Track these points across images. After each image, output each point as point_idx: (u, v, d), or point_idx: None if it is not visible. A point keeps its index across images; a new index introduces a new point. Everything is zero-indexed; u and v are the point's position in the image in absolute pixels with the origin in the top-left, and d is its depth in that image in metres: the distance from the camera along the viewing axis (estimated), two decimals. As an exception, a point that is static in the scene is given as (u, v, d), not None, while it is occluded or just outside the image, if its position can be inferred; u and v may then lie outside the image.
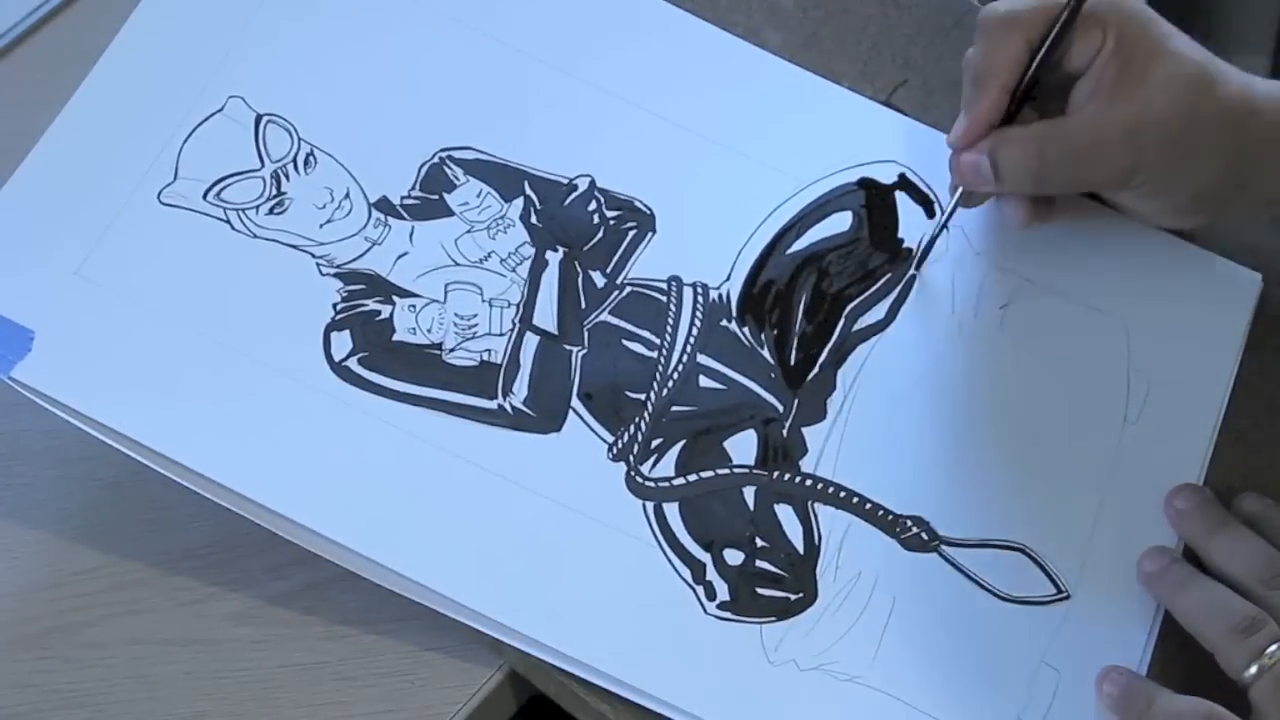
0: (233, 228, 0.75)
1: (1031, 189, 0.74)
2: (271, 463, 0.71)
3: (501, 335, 0.75)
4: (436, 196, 0.77)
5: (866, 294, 0.78)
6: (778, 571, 0.72)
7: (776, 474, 0.74)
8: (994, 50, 0.73)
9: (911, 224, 0.79)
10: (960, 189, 0.76)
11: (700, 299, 0.77)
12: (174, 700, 0.73)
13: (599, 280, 0.76)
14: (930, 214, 0.79)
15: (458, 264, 0.76)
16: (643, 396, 0.75)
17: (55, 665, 0.73)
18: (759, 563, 0.72)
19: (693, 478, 0.73)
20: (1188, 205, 0.75)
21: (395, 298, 0.75)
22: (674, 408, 0.75)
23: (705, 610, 0.71)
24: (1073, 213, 0.78)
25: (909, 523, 0.74)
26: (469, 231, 0.77)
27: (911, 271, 0.78)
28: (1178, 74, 0.71)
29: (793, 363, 0.76)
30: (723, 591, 0.72)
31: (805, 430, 0.75)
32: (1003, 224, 0.78)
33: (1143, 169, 0.72)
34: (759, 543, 0.73)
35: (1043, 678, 0.72)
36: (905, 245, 0.79)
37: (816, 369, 0.76)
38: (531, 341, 0.75)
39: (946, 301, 0.78)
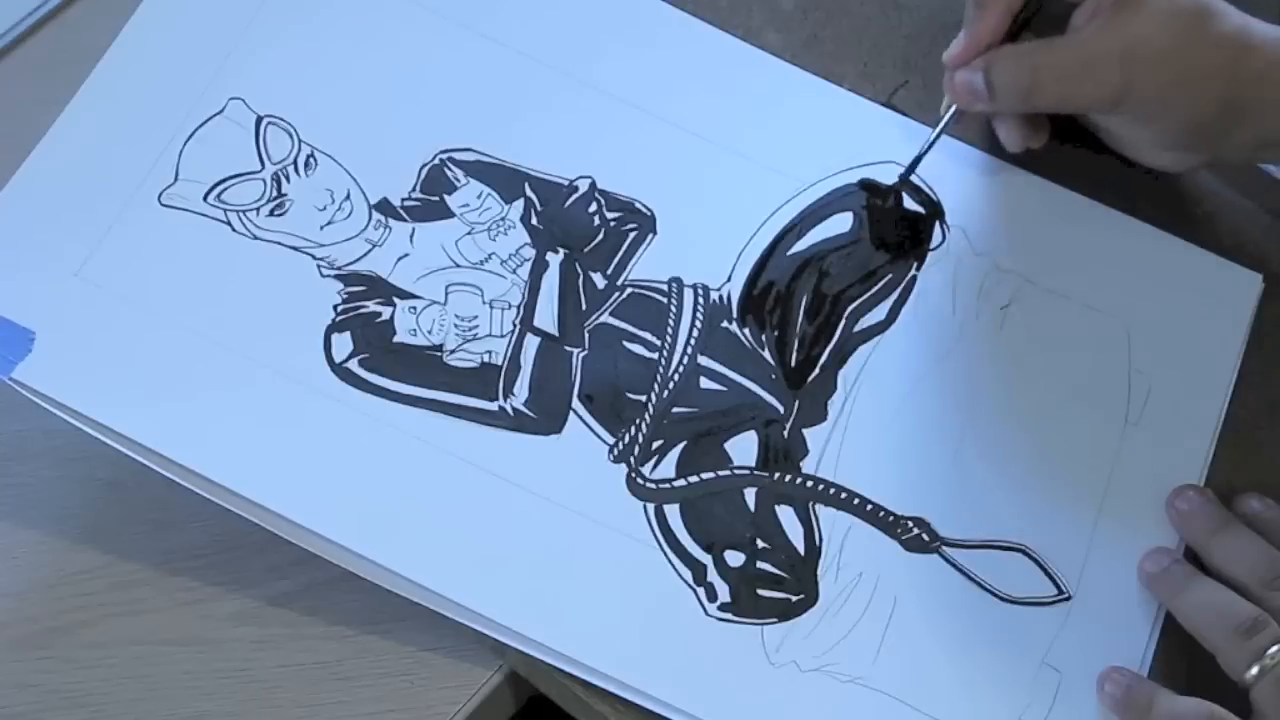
0: (233, 229, 0.75)
1: (1023, 106, 0.75)
2: (272, 464, 0.71)
3: (502, 337, 0.75)
4: (437, 198, 0.77)
5: (867, 295, 0.78)
6: (779, 573, 0.72)
7: (777, 475, 0.74)
8: None
9: (912, 224, 0.79)
10: (953, 107, 0.76)
11: (701, 300, 0.77)
12: (174, 700, 0.73)
13: (600, 282, 0.76)
14: (931, 215, 0.79)
15: (458, 265, 0.76)
16: (643, 398, 0.75)
17: (55, 665, 0.73)
18: (760, 564, 0.72)
19: (693, 479, 0.73)
20: (1178, 137, 0.75)
21: (396, 299, 0.75)
22: (675, 409, 0.75)
23: (706, 611, 0.71)
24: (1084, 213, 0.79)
25: (910, 524, 0.74)
26: (470, 233, 0.77)
27: (898, 180, 0.79)
28: (1176, 5, 0.72)
29: (794, 364, 0.76)
30: (724, 593, 0.72)
31: (806, 431, 0.75)
32: (1005, 225, 0.78)
33: (1134, 91, 0.72)
34: (760, 544, 0.73)
35: (1044, 678, 0.72)
36: (906, 246, 0.79)
37: (817, 370, 0.76)
38: (532, 343, 0.75)
39: (947, 302, 0.78)
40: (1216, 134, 0.75)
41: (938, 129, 0.77)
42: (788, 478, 0.74)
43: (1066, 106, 0.76)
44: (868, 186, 0.80)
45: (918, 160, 0.78)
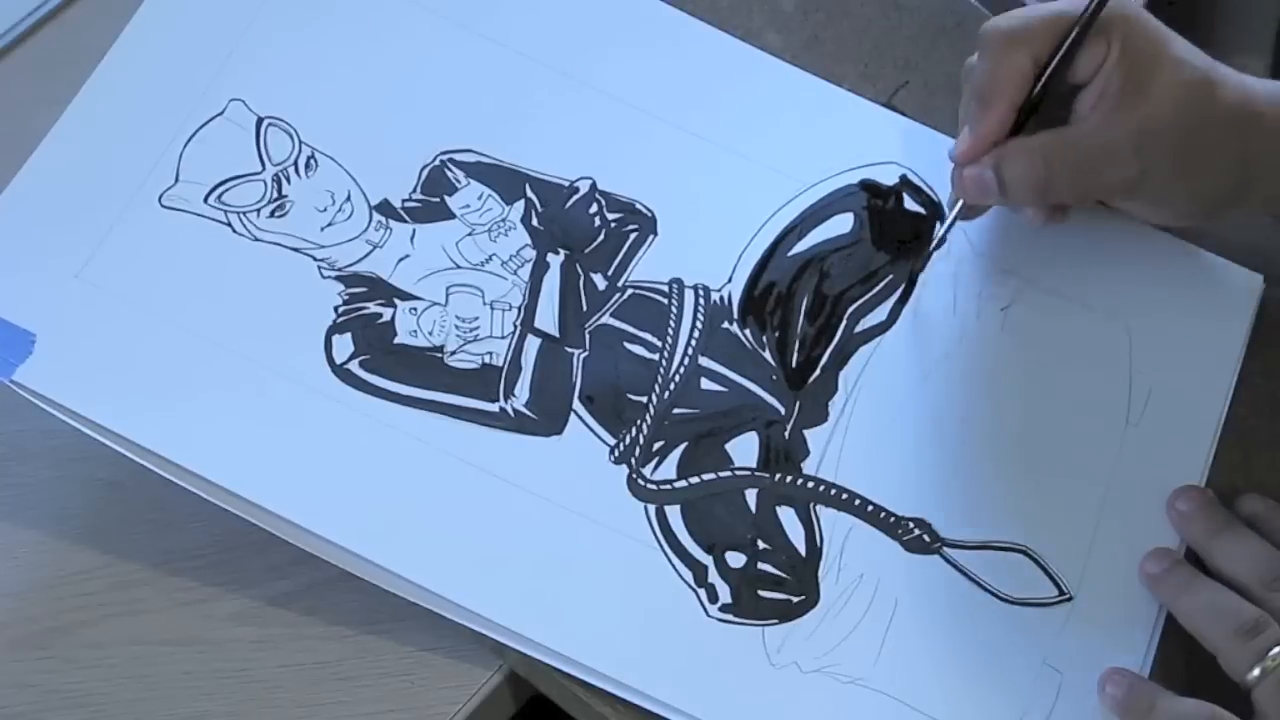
0: (234, 231, 0.75)
1: (1038, 201, 0.74)
2: (273, 466, 0.71)
3: (503, 338, 0.75)
4: (438, 199, 0.77)
5: (868, 296, 0.78)
6: (780, 574, 0.72)
7: (778, 476, 0.74)
8: (999, 68, 0.72)
9: (912, 226, 0.79)
10: (960, 202, 0.75)
11: (702, 301, 0.77)
12: (174, 700, 0.73)
13: (600, 283, 0.76)
14: (932, 215, 0.79)
15: (459, 266, 0.76)
16: (644, 399, 0.75)
17: (55, 665, 0.73)
18: (761, 565, 0.72)
19: (694, 480, 0.73)
20: (1193, 209, 0.75)
21: (397, 300, 0.75)
22: (675, 410, 0.75)
23: (707, 613, 0.71)
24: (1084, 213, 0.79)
25: (911, 525, 0.74)
26: (470, 234, 0.77)
27: (917, 274, 0.78)
28: (1181, 80, 0.71)
29: (794, 365, 0.76)
30: (724, 594, 0.72)
31: (807, 432, 0.75)
32: (1005, 226, 0.79)
33: (1150, 177, 0.72)
34: (761, 545, 0.73)
35: (1045, 679, 0.72)
36: (907, 247, 0.79)
37: (818, 371, 0.76)
38: (533, 344, 0.75)
39: (948, 303, 0.78)
40: (1229, 202, 0.75)
41: (947, 223, 0.76)
42: (789, 479, 0.74)
43: (1081, 198, 0.76)
44: (868, 187, 0.80)
45: (929, 257, 0.78)
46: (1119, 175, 0.72)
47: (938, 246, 0.78)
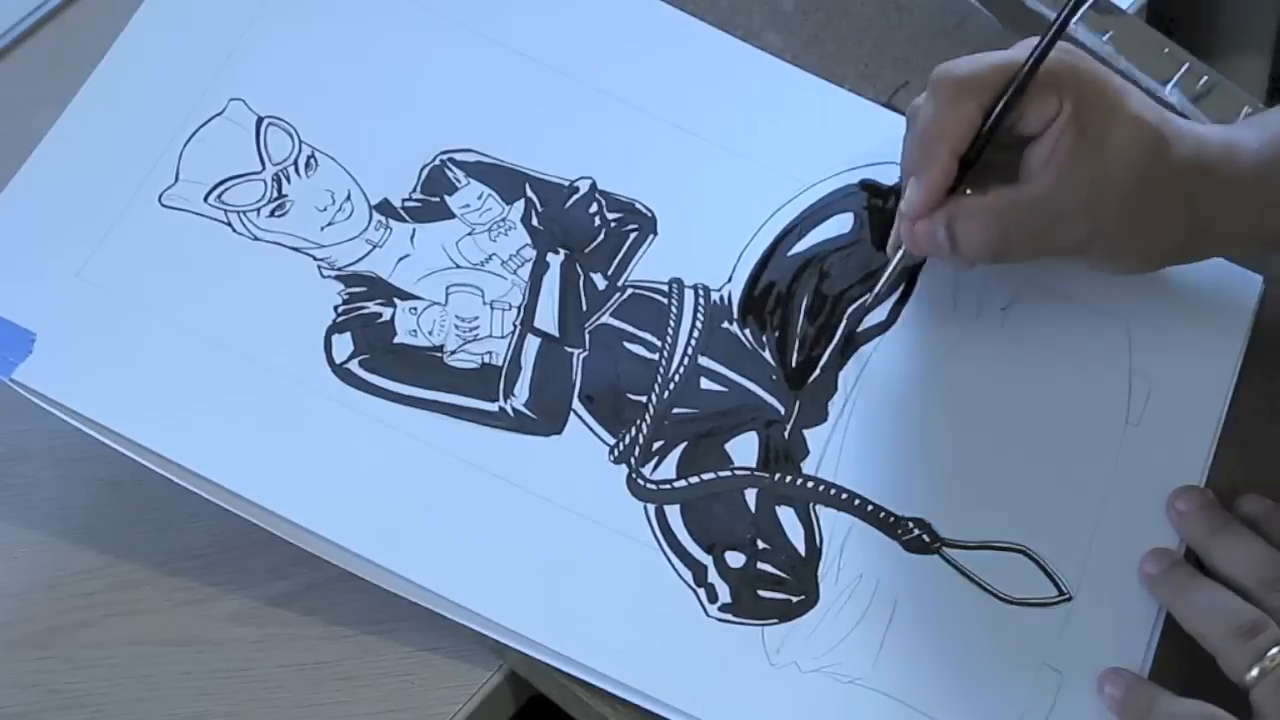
0: (234, 230, 0.75)
1: (989, 261, 0.73)
2: (273, 465, 0.71)
3: (503, 337, 0.75)
4: (438, 199, 0.77)
5: (868, 296, 0.78)
6: (779, 574, 0.72)
7: (778, 476, 0.74)
8: (946, 114, 0.71)
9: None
10: (902, 250, 0.74)
11: (701, 301, 0.77)
12: (174, 700, 0.73)
13: (600, 282, 0.76)
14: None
15: (459, 266, 0.76)
16: (644, 399, 0.75)
17: (55, 665, 0.73)
18: (760, 565, 0.72)
19: (694, 480, 0.73)
20: (1144, 263, 0.76)
21: (396, 300, 0.75)
22: (675, 410, 0.75)
23: (707, 612, 0.71)
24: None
25: (910, 524, 0.74)
26: (470, 234, 0.77)
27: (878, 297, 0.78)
28: (1134, 139, 0.71)
29: (794, 365, 0.76)
30: (724, 594, 0.72)
31: (807, 432, 0.75)
32: None
33: (1101, 236, 0.72)
34: (760, 545, 0.73)
35: (1045, 679, 0.72)
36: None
37: (818, 371, 0.76)
38: (533, 344, 0.75)
39: (948, 303, 0.78)
40: (1179, 255, 0.76)
41: (889, 270, 0.75)
42: (788, 478, 0.74)
43: (1033, 257, 0.74)
44: (868, 187, 0.80)
45: (871, 301, 0.77)
46: (1071, 237, 0.72)
47: (879, 299, 0.77)
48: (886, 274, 0.76)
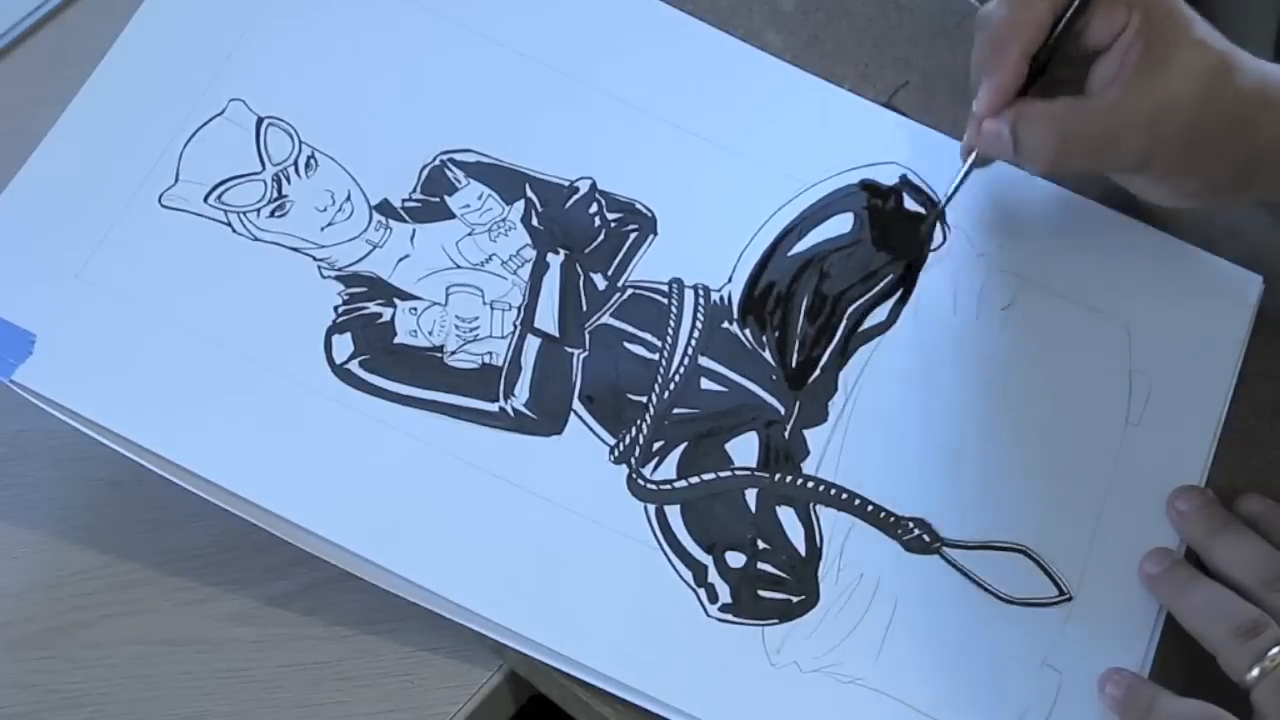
0: (234, 230, 0.75)
1: (1048, 168, 0.75)
2: (273, 466, 0.71)
3: (503, 338, 0.75)
4: (438, 199, 0.77)
5: (868, 296, 0.78)
6: (779, 574, 0.72)
7: (778, 476, 0.74)
8: (1019, 14, 0.72)
9: (912, 226, 0.79)
10: (974, 153, 0.76)
11: (702, 301, 0.77)
12: (174, 700, 0.73)
13: (600, 283, 0.76)
14: (932, 215, 0.79)
15: (459, 266, 0.76)
16: (644, 399, 0.75)
17: (55, 665, 0.73)
18: (761, 565, 0.72)
19: (694, 480, 0.73)
20: (1199, 191, 0.75)
21: (397, 300, 0.75)
22: (675, 410, 0.75)
23: (707, 613, 0.71)
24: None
25: (911, 524, 0.74)
26: (470, 234, 0.77)
27: (925, 238, 0.78)
28: (1200, 63, 0.71)
29: (794, 365, 0.76)
30: (724, 594, 0.72)
31: (807, 432, 0.75)
32: (1005, 226, 0.79)
33: (1160, 156, 0.72)
34: (761, 545, 0.73)
35: (1045, 679, 0.72)
36: (907, 247, 0.79)
37: (818, 371, 0.76)
38: (533, 344, 0.75)
39: (948, 303, 0.78)
40: (1234, 187, 0.75)
41: (962, 172, 0.76)
42: (788, 479, 0.74)
43: (1092, 170, 0.76)
44: (868, 187, 0.80)
45: (944, 205, 0.78)
46: (1131, 151, 0.72)
47: (948, 202, 0.78)
48: (958, 177, 0.77)
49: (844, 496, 0.74)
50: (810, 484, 0.74)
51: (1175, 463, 0.76)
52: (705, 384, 0.75)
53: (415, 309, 0.75)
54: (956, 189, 0.77)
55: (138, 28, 0.78)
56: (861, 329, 0.77)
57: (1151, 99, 0.71)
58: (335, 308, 0.74)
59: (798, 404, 0.75)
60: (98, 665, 0.73)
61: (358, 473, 0.72)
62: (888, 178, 0.80)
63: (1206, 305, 0.79)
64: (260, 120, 0.77)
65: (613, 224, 0.78)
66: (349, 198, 0.76)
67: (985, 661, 0.72)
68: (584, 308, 0.76)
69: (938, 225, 0.79)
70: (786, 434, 0.75)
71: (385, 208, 0.77)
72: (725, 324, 0.76)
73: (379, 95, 0.78)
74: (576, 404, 0.74)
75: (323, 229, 0.76)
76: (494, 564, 0.71)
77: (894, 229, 0.79)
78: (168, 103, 0.77)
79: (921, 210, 0.79)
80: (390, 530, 0.71)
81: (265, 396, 0.72)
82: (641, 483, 0.73)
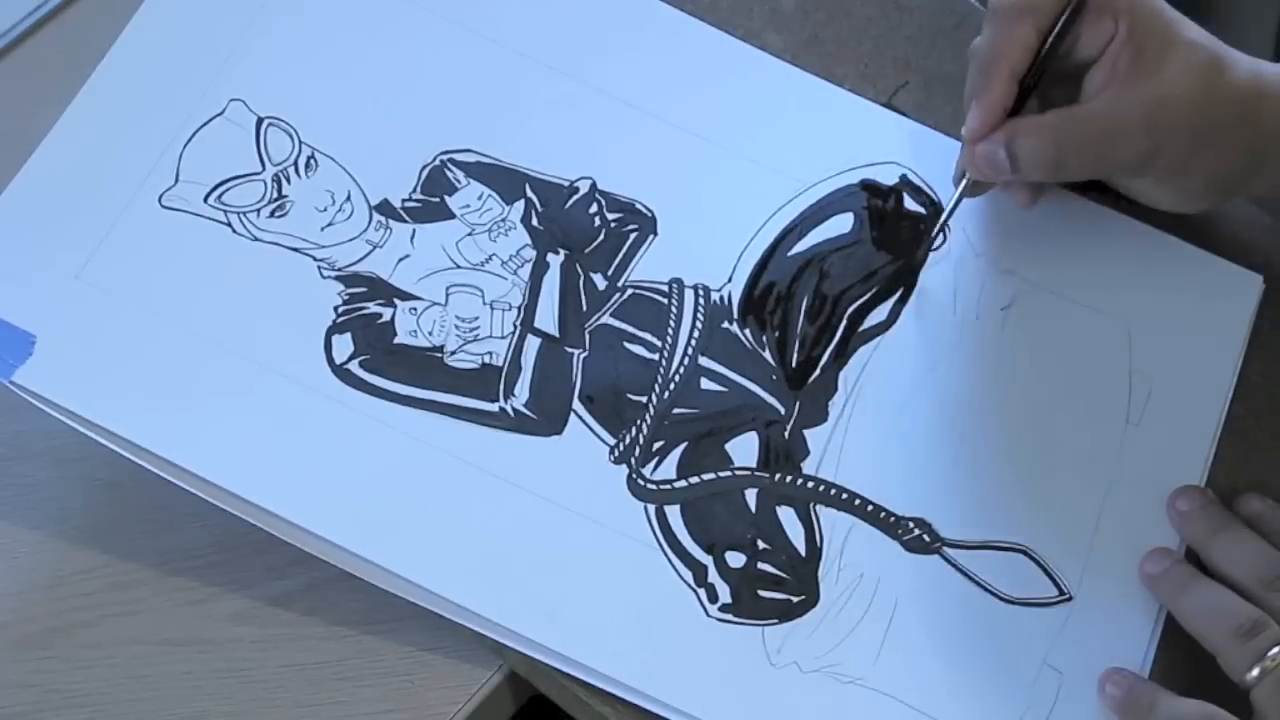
0: (234, 231, 0.75)
1: (1049, 177, 0.75)
2: (273, 466, 0.71)
3: (503, 338, 0.75)
4: (438, 199, 0.77)
5: (868, 295, 0.78)
6: (779, 574, 0.72)
7: (778, 476, 0.74)
8: (1004, 36, 0.73)
9: (912, 226, 0.79)
10: (966, 178, 0.76)
11: (702, 301, 0.77)
12: (174, 700, 0.73)
13: (600, 283, 0.76)
14: (932, 215, 0.79)
15: (459, 266, 0.76)
16: (644, 399, 0.75)
17: (55, 665, 0.73)
18: (761, 565, 0.72)
19: (694, 480, 0.73)
20: (1201, 190, 0.75)
21: (397, 300, 0.75)
22: (675, 410, 0.75)
23: (707, 613, 0.71)
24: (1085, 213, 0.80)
25: (911, 524, 0.74)
26: (470, 234, 0.77)
27: (919, 262, 0.78)
28: (1191, 61, 0.72)
29: (794, 365, 0.76)
30: (724, 594, 0.72)
31: (807, 432, 0.75)
32: (1005, 226, 0.79)
33: (1161, 153, 0.72)
34: (761, 545, 0.73)
35: (1045, 679, 0.72)
36: (907, 247, 0.79)
37: (818, 371, 0.76)
38: (533, 344, 0.75)
39: (948, 303, 0.78)
40: (1238, 183, 0.75)
41: (953, 201, 0.77)
42: (788, 478, 0.74)
43: (1093, 175, 0.76)
44: (868, 187, 0.80)
45: (933, 239, 0.78)
46: (1130, 151, 0.72)
47: (942, 227, 0.78)
48: (951, 203, 0.77)
49: (844, 496, 0.74)
50: (810, 484, 0.74)
51: (1175, 463, 0.76)
52: (705, 384, 0.75)
53: (415, 309, 0.75)
54: (950, 214, 0.77)
55: (138, 28, 0.78)
56: (861, 329, 0.77)
57: (1145, 98, 0.71)
58: (335, 308, 0.74)
59: (798, 404, 0.75)
60: (98, 665, 0.73)
61: (358, 473, 0.72)
62: (888, 178, 0.80)
63: (1207, 305, 0.79)
64: (260, 120, 0.77)
65: (613, 224, 0.78)
66: (349, 198, 0.76)
67: (985, 661, 0.72)
68: (584, 308, 0.76)
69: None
70: (786, 434, 0.75)
71: (385, 208, 0.77)
72: (725, 324, 0.76)
73: (379, 95, 0.78)
74: (576, 404, 0.74)
75: (323, 229, 0.76)
76: (494, 564, 0.71)
77: (894, 229, 0.79)
78: (168, 103, 0.77)
79: (921, 210, 0.79)
80: (390, 530, 0.71)
81: (265, 397, 0.72)
82: (641, 483, 0.73)
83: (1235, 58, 0.73)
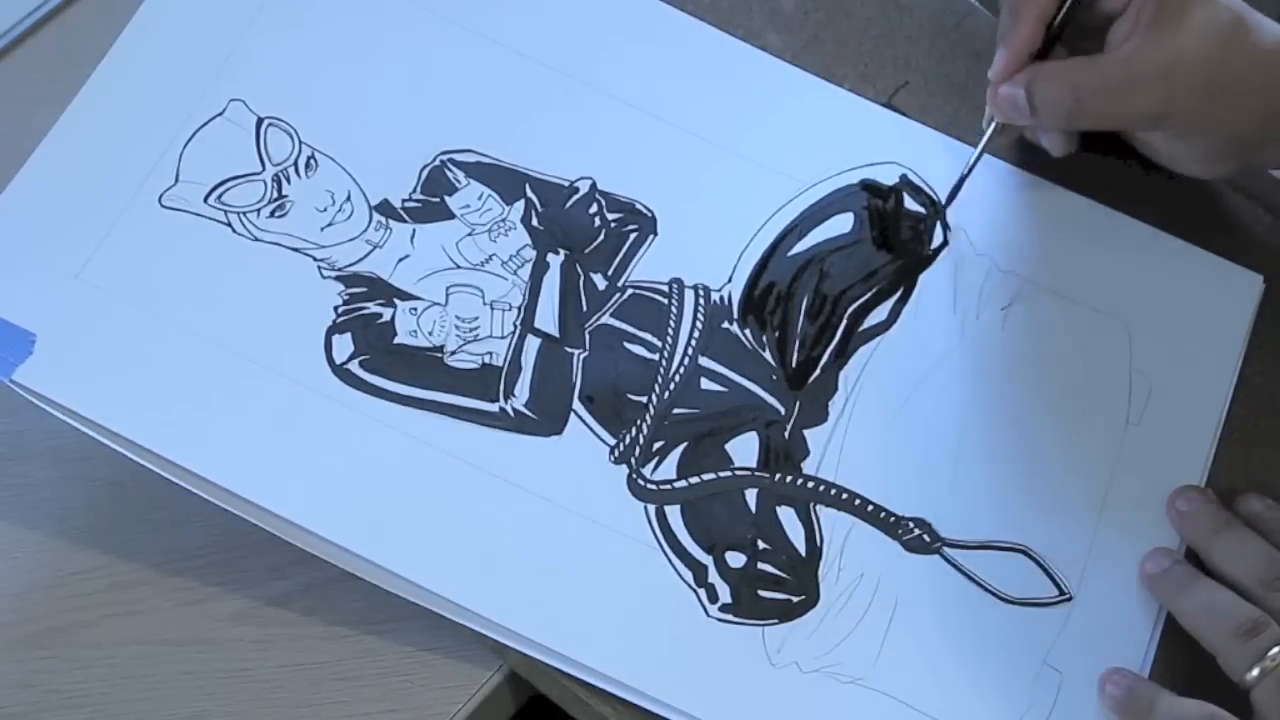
0: (234, 231, 0.75)
1: (1065, 124, 0.75)
2: (273, 466, 0.71)
3: (503, 338, 0.75)
4: (438, 199, 0.77)
5: (868, 295, 0.78)
6: (780, 574, 0.72)
7: (778, 476, 0.74)
8: None
9: (912, 225, 0.79)
10: (994, 122, 0.77)
11: (702, 301, 0.77)
12: (174, 700, 0.73)
13: (600, 283, 0.76)
14: (932, 215, 0.79)
15: (459, 267, 0.76)
16: (644, 399, 0.75)
17: (55, 665, 0.73)
18: (761, 565, 0.72)
19: (694, 480, 0.73)
20: (1219, 150, 0.75)
21: (397, 300, 0.75)
22: (675, 410, 0.75)
23: (707, 613, 0.71)
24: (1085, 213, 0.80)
25: (911, 524, 0.74)
26: (470, 234, 0.77)
27: (942, 204, 0.79)
28: (1214, 19, 0.72)
29: (794, 365, 0.76)
30: (724, 594, 0.72)
31: (807, 432, 0.75)
32: (1005, 226, 0.79)
33: (1176, 108, 0.73)
34: (761, 545, 0.73)
35: (1045, 679, 0.72)
36: (907, 247, 0.79)
37: (818, 371, 0.76)
38: (533, 344, 0.75)
39: (948, 303, 0.78)
40: (1255, 145, 0.75)
41: (982, 141, 0.78)
42: (788, 478, 0.74)
43: (1109, 124, 0.76)
44: (869, 187, 0.80)
45: (966, 175, 0.79)
46: (1146, 102, 0.73)
47: (973, 166, 0.78)
48: (980, 146, 0.78)
49: (844, 496, 0.74)
50: (810, 484, 0.74)
51: (1175, 462, 0.76)
52: (705, 384, 0.75)
53: (415, 309, 0.75)
54: (978, 157, 0.78)
55: (138, 28, 0.78)
56: (861, 329, 0.77)
57: (1166, 51, 0.72)
58: (335, 308, 0.74)
59: (798, 404, 0.75)
60: (98, 665, 0.73)
61: (358, 473, 0.72)
62: (888, 178, 0.80)
63: (1207, 305, 0.79)
64: (260, 120, 0.77)
65: (613, 224, 0.78)
66: (349, 198, 0.76)
67: (985, 661, 0.72)
68: (584, 308, 0.76)
69: (938, 225, 0.79)
70: (786, 434, 0.75)
71: (385, 208, 0.77)
72: (725, 324, 0.76)
73: (379, 95, 0.78)
74: (576, 404, 0.74)
75: (323, 229, 0.76)
76: (494, 564, 0.71)
77: (894, 229, 0.79)
78: (168, 103, 0.77)
79: (921, 210, 0.79)
80: (390, 530, 0.71)
81: (265, 397, 0.72)
82: (641, 483, 0.73)
83: (1260, 20, 0.73)
